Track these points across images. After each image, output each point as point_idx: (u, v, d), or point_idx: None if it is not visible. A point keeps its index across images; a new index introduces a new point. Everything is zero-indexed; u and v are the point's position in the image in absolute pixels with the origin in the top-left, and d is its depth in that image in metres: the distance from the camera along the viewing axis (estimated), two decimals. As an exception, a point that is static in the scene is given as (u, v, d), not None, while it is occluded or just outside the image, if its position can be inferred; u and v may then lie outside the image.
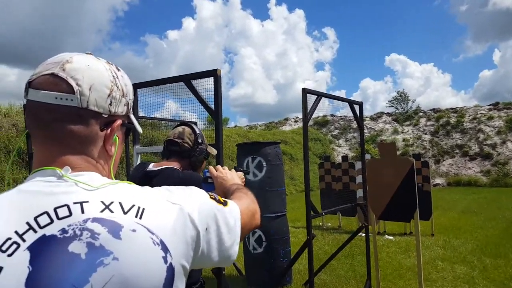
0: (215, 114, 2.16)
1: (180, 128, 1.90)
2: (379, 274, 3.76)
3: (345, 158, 8.20)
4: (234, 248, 0.77)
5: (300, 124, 27.62)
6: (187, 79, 2.28)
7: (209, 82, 2.31)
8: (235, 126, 30.63)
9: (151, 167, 1.80)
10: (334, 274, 4.97)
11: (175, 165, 1.80)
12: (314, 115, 3.45)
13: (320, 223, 8.83)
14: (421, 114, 24.85)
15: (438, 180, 19.67)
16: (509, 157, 19.29)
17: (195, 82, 2.29)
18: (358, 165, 7.63)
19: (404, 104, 29.26)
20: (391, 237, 7.09)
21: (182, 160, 1.83)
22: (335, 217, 8.87)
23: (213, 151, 2.00)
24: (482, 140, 20.80)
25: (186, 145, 1.84)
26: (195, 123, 3.01)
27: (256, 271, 4.57)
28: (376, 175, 3.63)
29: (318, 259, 4.88)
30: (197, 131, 1.89)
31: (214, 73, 2.17)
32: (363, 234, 4.17)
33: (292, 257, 4.42)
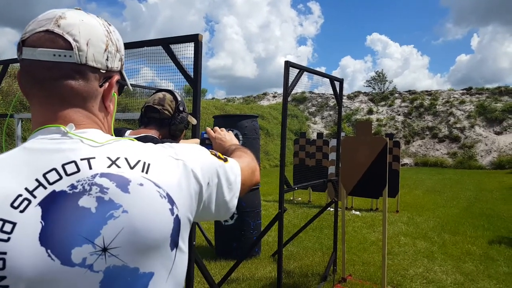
0: (194, 83, 2.11)
1: (160, 94, 1.77)
2: (345, 246, 3.93)
3: (320, 135, 8.32)
4: (233, 201, 0.81)
5: (278, 100, 27.58)
6: (166, 43, 2.19)
7: (189, 49, 2.22)
8: (213, 98, 30.27)
9: (128, 134, 1.68)
10: (301, 246, 5.15)
11: (153, 133, 1.69)
12: (293, 91, 3.44)
13: (291, 198, 9.04)
14: (396, 95, 25.35)
15: (406, 160, 20.39)
16: (476, 140, 20.16)
17: (174, 48, 2.21)
18: (332, 142, 7.77)
19: (381, 84, 29.75)
20: (357, 213, 7.37)
21: (162, 129, 1.73)
22: (305, 192, 9.09)
23: (193, 121, 1.91)
24: (452, 124, 21.57)
25: (166, 112, 1.73)
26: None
27: (226, 243, 4.66)
28: (350, 152, 3.71)
29: (286, 232, 5.02)
30: (179, 98, 1.78)
31: (195, 38, 2.09)
32: (332, 209, 4.31)
33: (262, 229, 4.52)
